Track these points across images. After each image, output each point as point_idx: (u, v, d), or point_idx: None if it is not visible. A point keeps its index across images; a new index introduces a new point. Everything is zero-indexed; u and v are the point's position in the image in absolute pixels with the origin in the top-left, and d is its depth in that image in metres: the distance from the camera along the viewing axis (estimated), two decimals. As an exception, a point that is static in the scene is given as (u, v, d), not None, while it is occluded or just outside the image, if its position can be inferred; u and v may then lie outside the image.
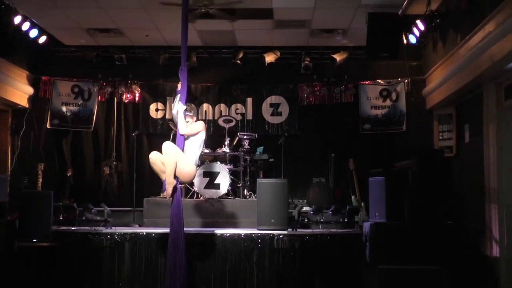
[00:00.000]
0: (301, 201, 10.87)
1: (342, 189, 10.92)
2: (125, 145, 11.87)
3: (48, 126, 11.64)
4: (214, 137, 11.40)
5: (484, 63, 7.99)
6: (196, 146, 7.49)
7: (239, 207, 9.85)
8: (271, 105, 11.94)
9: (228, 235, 8.43)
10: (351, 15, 9.76)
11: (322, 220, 9.53)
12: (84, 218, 9.52)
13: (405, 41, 9.95)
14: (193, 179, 8.70)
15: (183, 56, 7.36)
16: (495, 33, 7.53)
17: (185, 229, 8.12)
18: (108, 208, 9.30)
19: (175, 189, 7.27)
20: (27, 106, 11.32)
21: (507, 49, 7.26)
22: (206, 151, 10.35)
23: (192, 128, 7.51)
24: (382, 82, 11.66)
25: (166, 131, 11.52)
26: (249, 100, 11.98)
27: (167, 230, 8.37)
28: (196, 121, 7.75)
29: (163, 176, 7.28)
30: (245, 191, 10.53)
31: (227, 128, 10.96)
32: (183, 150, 7.41)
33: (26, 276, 7.96)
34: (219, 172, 10.04)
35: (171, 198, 7.44)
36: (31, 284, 7.92)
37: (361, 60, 11.10)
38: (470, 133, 9.60)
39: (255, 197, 9.42)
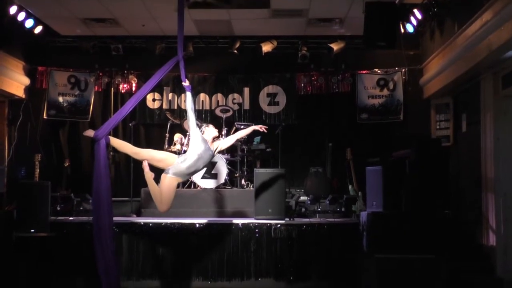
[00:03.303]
0: (298, 190, 10.88)
1: (340, 178, 10.93)
2: (122, 136, 11.82)
3: (45, 117, 11.62)
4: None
5: (482, 52, 7.99)
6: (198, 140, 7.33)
7: (237, 197, 9.86)
8: (268, 94, 11.93)
9: (225, 224, 8.45)
10: (348, 4, 9.72)
11: (319, 209, 9.57)
12: (81, 208, 9.57)
13: (402, 30, 9.94)
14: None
15: (179, 46, 7.30)
16: (493, 22, 7.52)
17: (183, 220, 8.16)
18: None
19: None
20: (23, 96, 11.29)
21: (504, 38, 7.25)
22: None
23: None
24: (379, 71, 11.65)
25: (163, 121, 11.52)
26: (246, 90, 11.96)
27: (165, 220, 8.42)
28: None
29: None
30: (243, 181, 10.54)
31: (224, 118, 10.95)
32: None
33: (25, 266, 7.97)
34: (216, 162, 10.05)
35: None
36: (29, 274, 7.94)
37: (358, 49, 11.08)
38: (467, 122, 9.61)
39: (253, 186, 9.42)
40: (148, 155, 7.17)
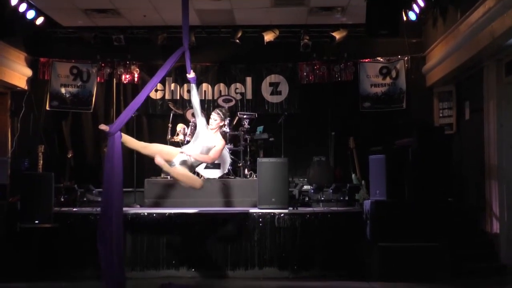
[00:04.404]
0: (301, 179, 10.87)
1: (343, 167, 10.92)
2: (125, 126, 11.70)
3: (47, 108, 11.63)
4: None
5: (485, 39, 7.96)
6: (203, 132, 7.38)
7: (240, 186, 9.86)
8: (271, 84, 11.91)
9: (229, 214, 8.46)
10: (350, -8, 9.70)
11: (322, 198, 9.57)
12: (85, 199, 9.57)
13: (404, 18, 9.90)
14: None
15: (185, 36, 7.26)
16: (496, 9, 7.49)
17: (187, 210, 8.17)
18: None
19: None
20: (26, 88, 11.29)
21: (507, 25, 7.23)
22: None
23: (215, 152, 7.31)
24: (381, 59, 11.61)
25: (165, 111, 11.51)
26: (249, 80, 11.94)
27: (168, 210, 8.44)
28: (222, 125, 7.61)
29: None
30: (246, 170, 10.54)
31: (226, 107, 10.93)
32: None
33: (28, 257, 8.00)
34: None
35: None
36: (33, 265, 7.97)
37: (361, 37, 11.03)
38: (470, 110, 9.60)
39: (256, 176, 9.42)
40: (156, 149, 7.19)
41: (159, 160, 6.92)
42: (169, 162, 7.03)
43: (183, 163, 7.06)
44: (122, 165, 6.68)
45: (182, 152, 7.10)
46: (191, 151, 7.14)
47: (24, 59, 11.21)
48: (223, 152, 9.94)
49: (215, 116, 7.38)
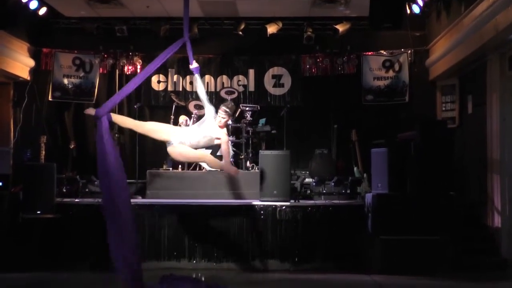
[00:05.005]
0: (303, 172, 10.88)
1: (345, 160, 10.91)
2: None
3: (50, 99, 11.63)
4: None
5: (488, 32, 7.94)
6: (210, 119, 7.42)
7: (242, 178, 9.86)
8: (273, 76, 11.89)
9: (230, 206, 8.47)
10: (354, -16, 9.66)
11: (324, 191, 9.57)
12: (87, 190, 9.59)
13: (408, 11, 9.87)
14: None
15: (185, 27, 7.25)
16: (500, 3, 7.46)
17: (188, 201, 8.16)
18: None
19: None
20: (28, 78, 11.29)
21: (511, 19, 7.20)
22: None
23: (225, 146, 7.43)
24: (385, 52, 11.59)
25: (168, 103, 11.51)
26: (251, 72, 11.92)
27: (170, 201, 8.44)
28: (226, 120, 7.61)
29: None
30: (248, 162, 10.54)
31: (229, 99, 10.93)
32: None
33: (30, 247, 8.02)
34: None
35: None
36: (35, 255, 7.98)
37: (364, 30, 11.00)
38: (473, 103, 9.58)
39: (258, 168, 9.42)
40: (150, 126, 7.20)
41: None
42: (167, 142, 7.04)
43: (182, 142, 7.08)
44: (115, 150, 6.37)
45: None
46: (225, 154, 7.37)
47: (27, 49, 11.21)
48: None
49: (222, 114, 7.41)
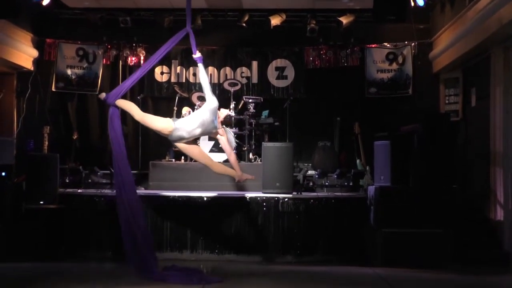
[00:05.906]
0: (306, 164, 10.89)
1: (347, 153, 10.92)
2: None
3: (53, 89, 11.64)
4: (219, 100, 11.28)
5: (492, 25, 7.92)
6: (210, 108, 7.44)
7: (244, 170, 9.81)
8: (277, 68, 11.88)
9: (233, 198, 8.48)
10: (358, -24, 9.63)
11: (327, 183, 9.57)
12: (90, 180, 9.61)
13: (412, 4, 9.84)
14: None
15: (188, 18, 7.26)
16: (504, -5, 7.43)
17: (191, 193, 8.16)
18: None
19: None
20: (32, 68, 11.30)
21: (516, 12, 7.18)
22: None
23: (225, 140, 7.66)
24: (388, 45, 11.56)
25: (171, 94, 11.51)
26: (255, 64, 11.91)
27: (172, 193, 8.45)
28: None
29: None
30: (251, 154, 10.55)
31: (232, 91, 10.93)
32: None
33: (34, 237, 8.03)
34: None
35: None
36: (38, 246, 8.00)
37: (368, 23, 10.99)
38: (477, 96, 9.56)
39: (260, 160, 9.43)
40: (148, 119, 7.24)
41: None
42: (168, 131, 7.07)
43: (180, 132, 7.07)
44: (122, 137, 6.95)
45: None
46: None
47: (31, 39, 11.21)
48: (228, 136, 9.95)
49: (223, 115, 7.68)
